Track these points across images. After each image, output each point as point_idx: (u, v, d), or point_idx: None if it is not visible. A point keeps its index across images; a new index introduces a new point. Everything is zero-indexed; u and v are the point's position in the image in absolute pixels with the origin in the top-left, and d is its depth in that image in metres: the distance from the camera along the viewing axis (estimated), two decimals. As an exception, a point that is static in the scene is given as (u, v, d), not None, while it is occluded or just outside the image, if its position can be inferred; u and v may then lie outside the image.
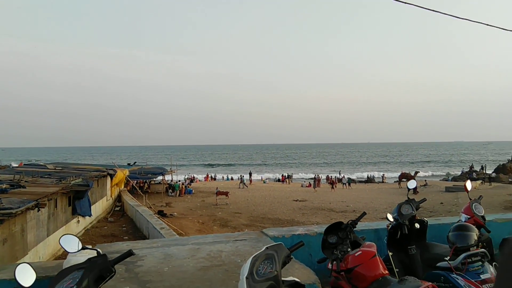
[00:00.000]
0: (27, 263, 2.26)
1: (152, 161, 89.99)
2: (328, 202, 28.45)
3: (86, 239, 15.84)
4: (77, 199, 15.85)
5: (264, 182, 48.61)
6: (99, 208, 21.00)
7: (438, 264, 3.38)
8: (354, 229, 3.84)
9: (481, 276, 3.11)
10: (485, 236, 4.31)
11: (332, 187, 38.22)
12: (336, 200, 29.85)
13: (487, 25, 6.51)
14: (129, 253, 2.36)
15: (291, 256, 2.46)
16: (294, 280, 2.48)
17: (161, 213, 21.32)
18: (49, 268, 3.47)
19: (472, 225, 3.62)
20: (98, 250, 2.39)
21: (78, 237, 2.41)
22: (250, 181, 46.28)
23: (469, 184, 4.75)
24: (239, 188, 38.51)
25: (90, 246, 2.99)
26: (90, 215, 17.21)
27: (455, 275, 3.18)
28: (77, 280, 2.14)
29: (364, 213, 3.89)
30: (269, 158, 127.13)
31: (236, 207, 26.49)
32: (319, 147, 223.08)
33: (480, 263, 3.20)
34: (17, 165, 28.39)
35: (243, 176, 45.93)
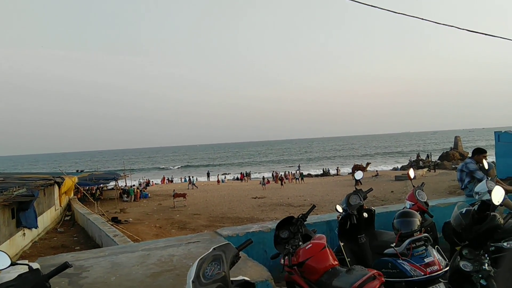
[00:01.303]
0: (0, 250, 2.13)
1: (106, 166, 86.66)
2: (286, 198, 28.82)
3: (34, 252, 14.89)
4: (21, 211, 14.83)
5: (222, 182, 48.35)
6: (47, 218, 19.83)
7: (385, 251, 3.48)
8: (306, 222, 3.88)
9: (425, 260, 3.23)
10: (428, 221, 4.52)
11: (281, 184, 38.48)
12: (294, 195, 30.31)
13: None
14: (65, 266, 2.20)
15: (240, 255, 2.41)
16: (244, 279, 2.44)
17: (115, 220, 20.53)
18: None
19: (414, 211, 3.77)
20: (30, 265, 2.21)
21: (5, 252, 2.21)
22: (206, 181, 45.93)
23: (411, 172, 4.96)
24: (188, 189, 38.18)
25: (26, 261, 2.77)
26: (36, 227, 16.19)
27: (401, 261, 3.28)
28: None
29: (314, 206, 3.93)
30: (226, 157, 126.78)
31: (194, 208, 26.11)
32: (277, 144, 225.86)
33: (424, 247, 3.33)
34: None
35: (192, 176, 45.80)
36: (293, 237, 3.58)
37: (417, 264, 3.21)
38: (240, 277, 2.43)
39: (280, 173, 47.92)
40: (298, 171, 49.66)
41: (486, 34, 7.59)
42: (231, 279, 2.31)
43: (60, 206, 23.56)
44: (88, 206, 24.67)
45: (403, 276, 3.24)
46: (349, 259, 4.20)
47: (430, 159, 51.56)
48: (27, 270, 2.13)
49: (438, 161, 47.97)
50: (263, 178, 41.18)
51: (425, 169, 40.76)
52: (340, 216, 4.33)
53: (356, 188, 4.47)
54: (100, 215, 20.37)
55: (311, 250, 3.18)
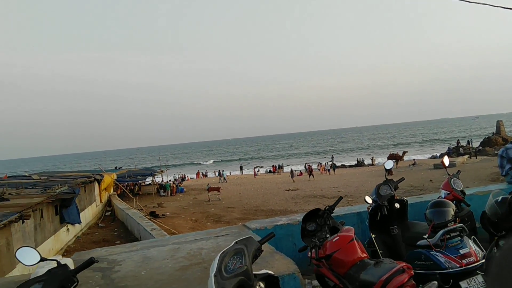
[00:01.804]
0: (31, 247, 2.24)
1: (143, 163, 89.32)
2: (319, 189, 28.52)
3: (77, 246, 15.62)
4: (64, 207, 15.59)
5: (255, 175, 48.57)
6: (88, 214, 20.73)
7: (418, 243, 3.35)
8: (336, 214, 3.80)
9: (460, 251, 3.08)
10: (465, 210, 4.30)
11: (309, 176, 37.32)
12: (328, 186, 29.94)
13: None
14: (91, 261, 2.26)
15: (262, 249, 2.38)
16: (267, 272, 2.41)
17: (153, 214, 21.14)
18: (12, 283, 3.33)
19: (448, 201, 3.59)
20: (58, 260, 2.28)
21: (35, 249, 2.30)
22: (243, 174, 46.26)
23: (446, 160, 4.73)
24: (219, 182, 38.62)
25: (57, 257, 2.89)
26: (79, 223, 16.97)
27: (435, 253, 3.15)
28: None
29: (341, 198, 3.84)
30: (258, 151, 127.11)
31: (228, 202, 26.39)
32: (308, 135, 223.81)
33: (459, 238, 3.17)
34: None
35: (222, 171, 46.27)
36: (320, 229, 3.51)
37: (452, 256, 3.07)
38: (263, 271, 2.40)
39: (310, 164, 47.34)
40: (330, 162, 48.97)
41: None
42: (255, 272, 2.29)
43: (101, 202, 24.55)
44: (127, 201, 25.55)
45: (438, 268, 3.10)
46: (381, 251, 4.08)
47: (471, 145, 49.27)
48: (56, 265, 2.20)
49: (480, 147, 45.76)
50: (291, 171, 40.79)
51: (466, 156, 38.99)
52: (370, 208, 4.20)
53: (386, 178, 4.31)
54: (138, 209, 21.04)
55: (338, 243, 3.10)
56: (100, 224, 20.92)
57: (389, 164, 4.46)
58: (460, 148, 47.53)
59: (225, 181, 41.19)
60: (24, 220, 10.80)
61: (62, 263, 2.27)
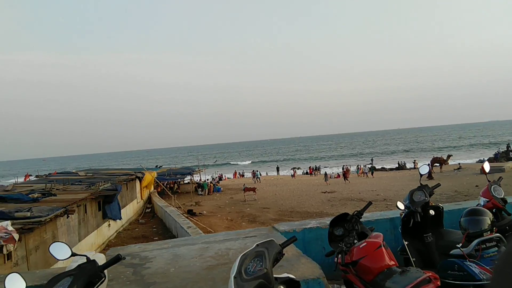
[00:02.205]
0: (18, 272, 2.29)
1: (182, 162, 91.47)
2: (357, 192, 27.92)
3: (118, 241, 16.28)
4: (107, 203, 16.30)
5: (292, 176, 48.35)
6: (129, 210, 21.54)
7: (451, 252, 3.21)
8: (367, 219, 3.71)
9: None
10: (507, 219, 4.06)
11: (345, 179, 36.14)
12: (366, 189, 29.24)
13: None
14: (118, 258, 2.35)
15: (283, 252, 2.37)
16: (289, 276, 2.40)
17: (190, 212, 21.62)
18: (44, 277, 3.52)
19: (484, 209, 3.40)
20: (88, 255, 2.39)
21: (67, 244, 2.43)
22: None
23: (486, 166, 4.48)
24: (254, 183, 39.02)
25: (94, 252, 3.03)
26: (120, 219, 17.67)
27: (469, 263, 3.00)
28: (66, 286, 2.15)
29: (370, 203, 3.74)
30: (295, 152, 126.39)
31: (264, 202, 26.45)
32: (348, 137, 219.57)
33: (496, 248, 3.00)
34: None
35: (256, 171, 46.64)
36: (348, 234, 3.45)
37: (487, 267, 2.91)
38: (285, 274, 2.39)
39: (348, 167, 46.30)
40: (368, 165, 47.71)
41: None
42: (275, 276, 2.29)
43: (142, 199, 25.44)
44: (166, 199, 26.29)
45: (471, 279, 2.95)
46: (414, 259, 3.94)
47: (522, 149, 46.23)
48: (85, 261, 2.31)
49: (533, 152, 42.87)
50: (325, 173, 40.05)
51: (517, 161, 36.67)
52: (403, 214, 4.07)
53: (421, 184, 4.15)
54: (176, 207, 21.60)
55: (366, 249, 3.03)
56: (140, 220, 21.68)
57: (424, 169, 4.28)
58: (510, 153, 44.73)
59: (258, 181, 41.38)
60: (69, 215, 11.41)
61: (93, 258, 2.39)
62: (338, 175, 41.64)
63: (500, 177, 4.38)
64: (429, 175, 29.79)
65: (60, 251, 2.38)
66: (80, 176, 22.88)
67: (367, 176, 40.73)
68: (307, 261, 3.53)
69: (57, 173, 29.34)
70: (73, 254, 2.39)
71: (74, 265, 2.65)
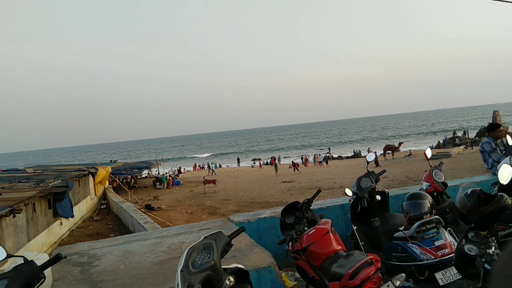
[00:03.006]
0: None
1: (139, 156, 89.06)
2: (315, 181, 28.58)
3: (71, 240, 15.63)
4: (57, 201, 15.55)
5: (251, 167, 48.65)
6: (83, 207, 20.72)
7: (395, 235, 3.36)
8: (319, 206, 3.79)
9: (435, 243, 3.09)
10: (447, 202, 4.31)
11: (294, 170, 36.69)
12: (324, 178, 29.99)
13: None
14: (57, 257, 2.25)
15: (231, 244, 2.37)
16: (237, 266, 2.41)
17: (148, 207, 21.15)
18: None
19: (424, 193, 3.60)
20: (25, 256, 2.26)
21: (1, 246, 2.28)
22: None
23: (428, 152, 4.73)
24: (209, 175, 38.87)
25: (36, 252, 2.87)
26: (72, 216, 16.95)
27: (410, 244, 3.16)
28: None
29: (319, 191, 3.84)
30: (256, 143, 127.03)
31: (224, 194, 26.41)
32: (304, 127, 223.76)
33: (435, 230, 3.18)
34: None
35: (211, 163, 47.57)
36: (298, 222, 3.52)
37: (427, 248, 3.08)
38: (234, 265, 2.40)
39: (306, 156, 47.25)
40: (323, 154, 49.06)
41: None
42: (224, 267, 2.29)
43: (96, 195, 24.53)
44: (123, 194, 25.53)
45: (413, 260, 3.11)
46: (363, 243, 4.10)
47: (467, 135, 49.41)
48: (23, 261, 2.19)
49: (476, 138, 45.89)
50: (275, 165, 39.86)
51: (462, 147, 39.13)
52: (352, 200, 4.21)
53: (368, 171, 4.31)
54: (133, 203, 21.04)
55: (314, 236, 3.11)
56: (94, 218, 20.93)
57: (371, 157, 4.46)
58: (456, 139, 47.65)
59: (213, 173, 41.19)
60: (15, 214, 10.78)
61: (31, 259, 2.26)
62: (298, 165, 42.40)
63: (441, 162, 4.64)
64: (376, 162, 30.99)
65: (-6, 253, 2.24)
66: (28, 173, 21.63)
67: (320, 165, 41.64)
68: (259, 250, 3.56)
69: (2, 170, 27.58)
70: (8, 256, 2.26)
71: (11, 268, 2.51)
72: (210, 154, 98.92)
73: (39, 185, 14.99)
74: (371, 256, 2.50)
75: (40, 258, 3.04)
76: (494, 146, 5.34)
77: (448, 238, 3.12)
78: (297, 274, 4.10)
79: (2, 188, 14.09)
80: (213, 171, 42.76)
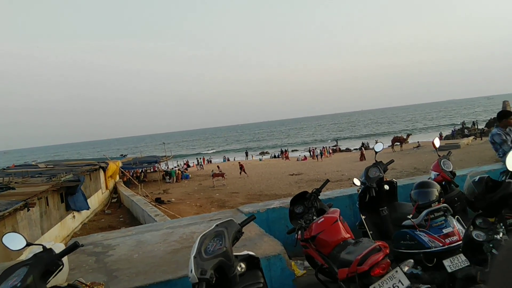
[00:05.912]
0: (17, 232, 2.30)
1: (148, 151, 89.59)
2: (323, 173, 28.55)
3: (84, 233, 15.90)
4: (69, 195, 15.82)
5: (260, 160, 48.72)
6: (94, 201, 21.03)
7: (403, 223, 3.40)
8: (328, 197, 3.85)
9: (443, 230, 3.12)
10: (456, 191, 4.33)
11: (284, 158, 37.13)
12: (332, 170, 29.95)
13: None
14: (75, 245, 2.32)
15: (242, 231, 2.44)
16: (248, 253, 2.48)
17: (158, 200, 21.40)
18: (1, 269, 3.43)
19: (433, 182, 3.62)
20: (44, 245, 2.35)
21: (21, 234, 2.37)
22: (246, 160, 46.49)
23: (437, 141, 4.74)
24: (197, 170, 40.02)
25: (52, 242, 2.97)
26: (88, 208, 17.24)
27: (418, 232, 3.19)
28: (22, 276, 2.11)
29: (327, 181, 3.89)
30: (265, 136, 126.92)
31: (233, 187, 26.54)
32: (314, 120, 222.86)
33: (443, 217, 3.21)
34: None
35: (199, 158, 49.36)
36: (307, 211, 3.57)
37: (435, 235, 3.11)
38: (245, 252, 2.47)
39: (313, 149, 47.14)
40: (325, 147, 49.18)
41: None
42: (235, 253, 2.36)
43: (107, 189, 24.85)
44: (133, 188, 25.82)
45: (421, 247, 3.15)
46: (371, 232, 4.15)
47: (476, 126, 48.84)
48: (42, 250, 2.27)
49: (485, 128, 45.34)
50: (281, 152, 40.84)
51: (471, 137, 38.75)
52: (360, 190, 4.25)
53: (376, 161, 4.34)
54: (143, 196, 21.29)
55: (323, 224, 3.17)
56: (106, 211, 21.24)
57: (379, 147, 4.48)
58: (465, 130, 47.16)
59: (202, 168, 42.59)
60: (29, 208, 11.01)
61: (49, 247, 2.35)
62: (305, 157, 42.39)
63: (449, 151, 4.65)
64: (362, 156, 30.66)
65: (14, 241, 2.33)
66: (40, 168, 21.99)
67: (317, 159, 41.08)
68: (269, 239, 3.63)
69: (16, 166, 28.02)
70: (28, 244, 2.35)
71: (31, 256, 2.61)
72: (215, 151, 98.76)
73: (51, 179, 15.25)
74: (380, 243, 2.55)
75: (57, 247, 3.14)
76: (504, 138, 5.28)
77: (456, 226, 3.15)
78: (306, 263, 4.18)
79: (15, 182, 14.36)
80: (201, 165, 44.50)
